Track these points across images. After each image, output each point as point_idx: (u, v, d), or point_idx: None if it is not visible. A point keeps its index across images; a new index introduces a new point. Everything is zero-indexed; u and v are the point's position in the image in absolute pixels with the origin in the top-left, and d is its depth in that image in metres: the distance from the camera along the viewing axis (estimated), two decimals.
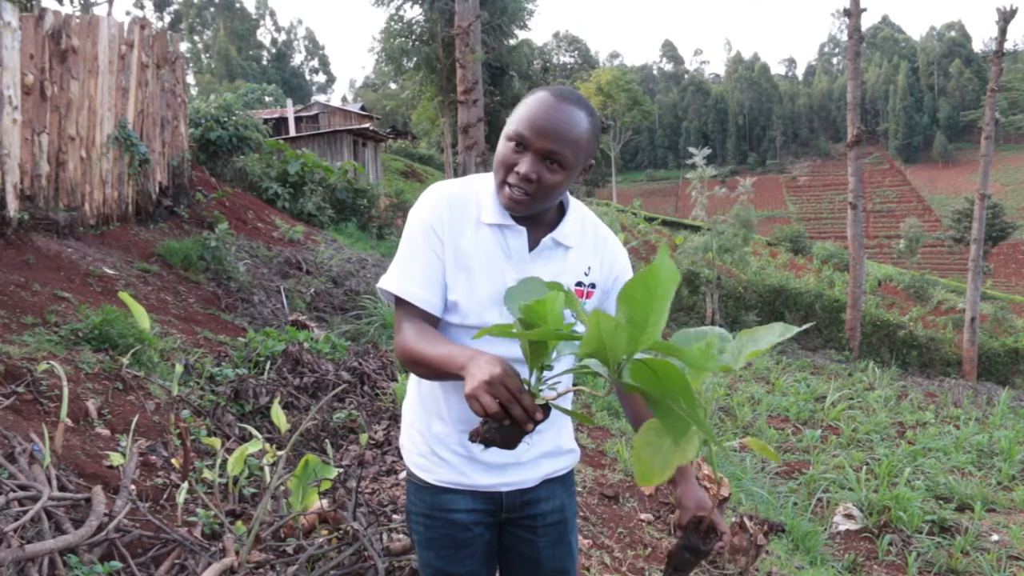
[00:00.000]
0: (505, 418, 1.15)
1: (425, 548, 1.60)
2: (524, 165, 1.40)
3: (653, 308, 1.04)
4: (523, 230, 1.48)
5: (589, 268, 1.55)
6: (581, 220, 1.57)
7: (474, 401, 1.15)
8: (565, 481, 1.66)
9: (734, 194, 16.09)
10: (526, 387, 1.17)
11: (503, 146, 1.44)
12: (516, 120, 1.42)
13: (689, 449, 1.09)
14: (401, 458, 3.64)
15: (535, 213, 1.49)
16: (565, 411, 1.28)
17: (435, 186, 1.53)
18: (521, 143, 1.40)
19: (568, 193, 1.57)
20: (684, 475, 1.56)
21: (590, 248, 1.56)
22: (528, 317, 1.16)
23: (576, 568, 1.70)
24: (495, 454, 1.50)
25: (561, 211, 1.55)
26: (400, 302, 1.47)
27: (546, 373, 1.22)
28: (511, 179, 1.42)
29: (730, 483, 3.57)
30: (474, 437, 1.20)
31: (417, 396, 1.60)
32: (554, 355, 1.19)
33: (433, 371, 1.35)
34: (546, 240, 1.50)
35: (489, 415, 1.14)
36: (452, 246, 1.46)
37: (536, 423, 1.16)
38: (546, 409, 1.19)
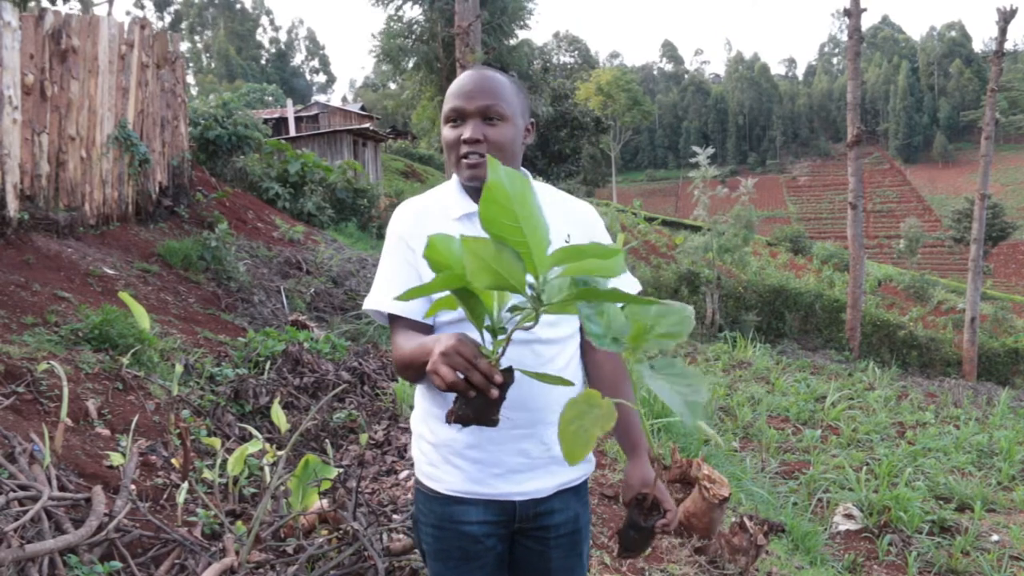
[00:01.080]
0: (467, 388, 1.14)
1: (435, 560, 1.57)
2: (468, 130, 1.46)
3: (520, 220, 1.02)
4: None
5: (568, 236, 1.53)
6: (545, 196, 1.57)
7: (433, 375, 1.15)
8: (579, 491, 1.62)
9: (735, 194, 16.05)
10: (485, 354, 1.16)
11: (445, 132, 1.50)
12: (446, 104, 1.50)
13: (606, 421, 1.08)
14: (402, 458, 3.64)
15: None
16: (528, 374, 1.23)
17: (402, 204, 1.59)
18: (458, 115, 1.48)
19: (528, 173, 1.58)
20: (635, 452, 1.54)
21: (563, 217, 1.56)
22: (433, 265, 1.13)
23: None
24: (511, 455, 1.49)
25: None
26: (390, 317, 1.51)
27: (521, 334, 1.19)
28: (463, 150, 1.47)
29: (730, 483, 3.57)
30: (449, 418, 1.19)
31: (425, 406, 1.58)
32: (507, 316, 1.16)
33: (415, 368, 1.38)
34: None
35: (449, 385, 1.14)
36: (415, 257, 1.49)
37: (499, 387, 1.15)
38: (508, 373, 1.17)
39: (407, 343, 1.41)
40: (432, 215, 1.53)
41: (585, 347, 1.62)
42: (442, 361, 1.14)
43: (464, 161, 1.47)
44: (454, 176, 1.58)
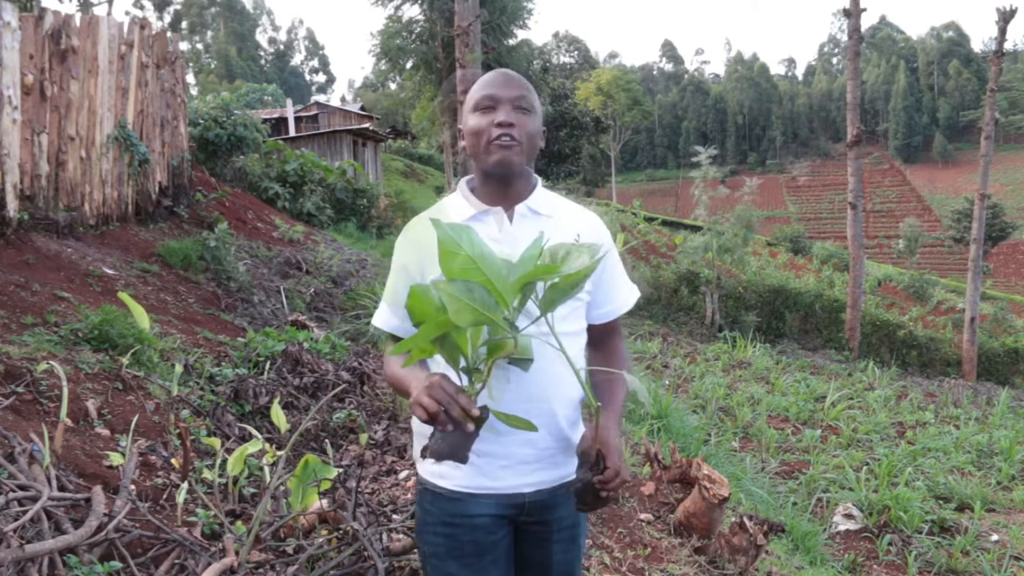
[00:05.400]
0: (447, 422, 1.24)
1: (445, 559, 1.56)
2: (501, 114, 1.51)
3: (478, 262, 1.19)
4: (500, 209, 1.56)
5: (578, 235, 1.57)
6: (554, 198, 1.65)
7: (417, 407, 1.25)
8: None
9: (738, 194, 16.03)
10: (465, 391, 1.26)
11: (473, 119, 1.54)
12: (476, 94, 1.55)
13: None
14: (402, 458, 3.64)
15: (512, 181, 1.55)
16: (498, 415, 1.32)
17: (407, 227, 1.63)
18: (490, 102, 1.52)
19: (538, 177, 1.65)
20: (602, 412, 1.48)
21: (572, 218, 1.62)
22: (414, 315, 1.25)
23: (580, 570, 1.70)
24: (519, 447, 1.51)
25: (532, 188, 1.62)
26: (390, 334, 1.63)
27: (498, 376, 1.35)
28: (494, 132, 1.51)
29: (730, 483, 3.56)
30: (424, 452, 1.29)
31: None
32: (481, 357, 1.26)
33: (398, 391, 1.49)
34: (520, 208, 1.57)
35: (431, 415, 1.24)
36: (434, 272, 1.50)
37: (476, 422, 1.25)
38: (484, 410, 1.27)
39: (390, 367, 1.52)
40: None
41: (588, 332, 1.67)
42: (426, 393, 1.25)
43: (496, 143, 1.50)
44: (461, 184, 1.64)
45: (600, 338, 1.68)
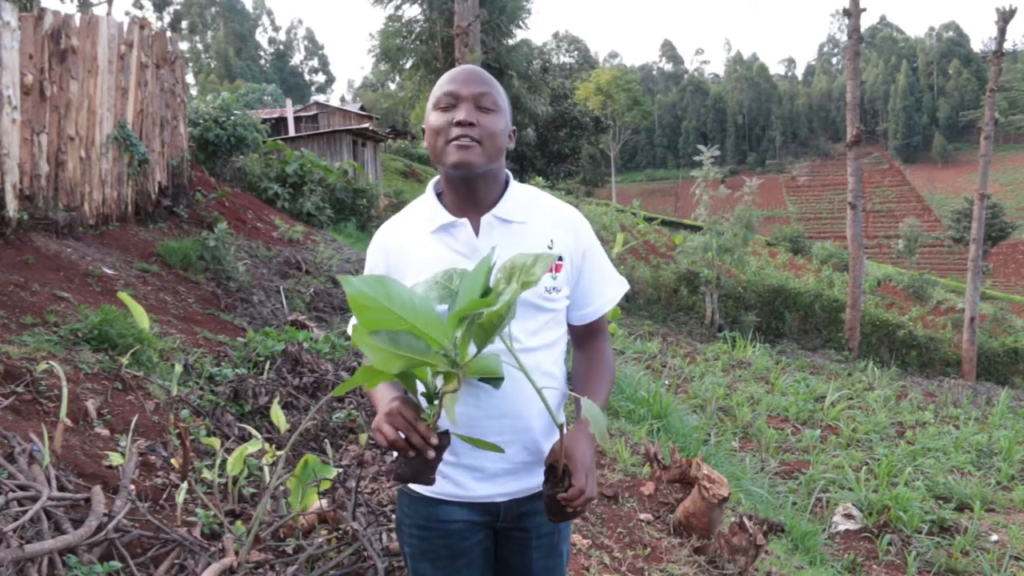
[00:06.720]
0: (407, 448, 1.25)
1: (420, 560, 1.58)
2: (461, 112, 1.44)
3: (397, 311, 1.14)
4: (465, 221, 1.49)
5: (552, 241, 1.51)
6: (528, 198, 1.56)
7: (377, 432, 1.26)
8: None
9: (737, 194, 16.01)
10: (424, 418, 1.27)
11: (433, 117, 1.47)
12: (438, 91, 1.48)
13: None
14: None
15: (477, 185, 1.48)
16: (463, 438, 1.33)
17: (378, 232, 1.60)
18: (451, 99, 1.45)
19: (510, 174, 1.58)
20: (575, 426, 1.49)
21: (548, 222, 1.53)
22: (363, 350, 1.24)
23: (565, 574, 1.69)
24: (493, 460, 1.50)
25: (501, 192, 1.54)
26: None
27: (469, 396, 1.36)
28: (453, 132, 1.43)
29: (730, 483, 3.56)
30: (388, 475, 1.30)
31: None
32: (439, 382, 1.25)
33: (372, 405, 1.49)
34: (486, 218, 1.48)
35: (389, 443, 1.24)
36: (403, 280, 1.49)
37: (436, 449, 1.26)
38: (444, 436, 1.29)
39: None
40: (405, 238, 1.53)
41: (571, 344, 1.65)
42: (385, 421, 1.25)
43: (454, 143, 1.43)
44: (428, 187, 1.57)
45: (583, 339, 1.64)
